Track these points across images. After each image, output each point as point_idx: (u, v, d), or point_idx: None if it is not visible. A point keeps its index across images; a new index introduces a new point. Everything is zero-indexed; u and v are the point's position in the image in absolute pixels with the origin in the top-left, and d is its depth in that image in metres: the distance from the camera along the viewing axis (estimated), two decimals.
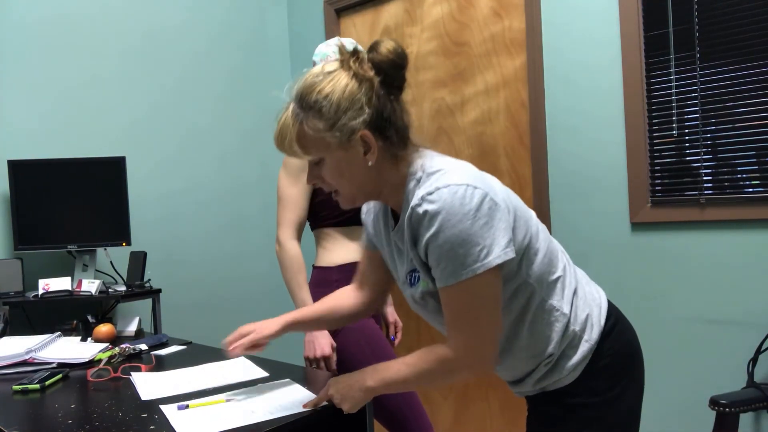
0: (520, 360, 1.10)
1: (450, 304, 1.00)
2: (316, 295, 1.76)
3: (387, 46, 1.01)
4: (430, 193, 0.96)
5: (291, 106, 1.04)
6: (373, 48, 1.01)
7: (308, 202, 1.79)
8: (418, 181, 1.02)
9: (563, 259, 1.12)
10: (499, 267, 0.98)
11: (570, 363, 1.07)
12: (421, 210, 0.97)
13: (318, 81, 1.01)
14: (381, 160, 1.03)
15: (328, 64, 1.03)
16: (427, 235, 0.97)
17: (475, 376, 1.04)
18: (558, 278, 1.08)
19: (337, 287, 1.75)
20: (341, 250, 1.80)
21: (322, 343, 1.69)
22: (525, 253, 1.04)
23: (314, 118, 1.00)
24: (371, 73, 1.00)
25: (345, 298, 1.33)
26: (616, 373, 1.09)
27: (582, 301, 1.10)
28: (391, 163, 1.05)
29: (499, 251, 0.96)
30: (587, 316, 1.09)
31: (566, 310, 1.07)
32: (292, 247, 1.74)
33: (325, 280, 1.79)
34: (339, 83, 0.99)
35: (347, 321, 1.33)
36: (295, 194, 1.76)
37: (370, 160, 1.02)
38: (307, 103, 1.01)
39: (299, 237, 1.78)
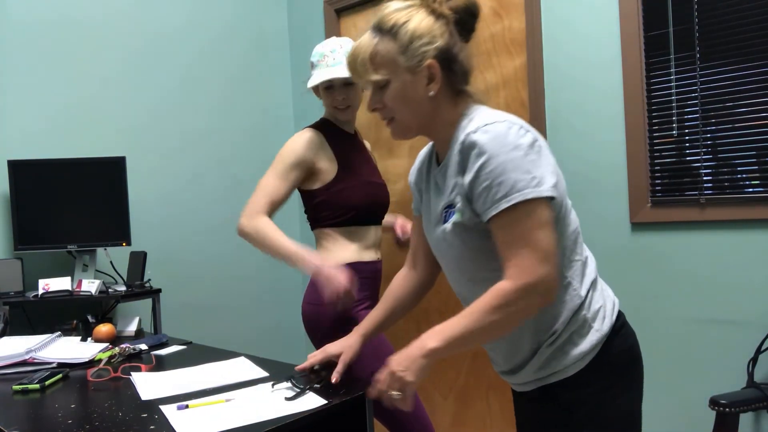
0: (525, 335, 1.09)
1: (502, 234, 0.99)
2: (317, 295, 1.77)
3: None
4: (486, 124, 1.01)
5: (367, 33, 1.12)
6: None
7: (288, 195, 1.74)
8: (471, 120, 1.07)
9: (587, 252, 1.14)
10: (550, 203, 1.00)
11: (577, 351, 1.06)
12: (475, 137, 1.01)
13: (397, 10, 1.09)
14: (441, 94, 1.10)
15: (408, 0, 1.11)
16: (479, 161, 0.99)
17: (541, 304, 0.98)
18: (580, 261, 1.10)
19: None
20: (341, 250, 1.80)
21: (340, 278, 1.56)
22: (559, 215, 1.05)
23: (389, 40, 1.08)
24: (448, 12, 1.09)
25: (402, 283, 1.36)
26: (618, 373, 1.09)
27: (598, 293, 1.11)
28: (450, 99, 1.12)
29: (549, 185, 0.98)
30: (600, 307, 1.10)
31: (582, 293, 1.08)
32: (261, 218, 1.66)
33: None
34: (417, 15, 1.08)
35: (414, 303, 1.36)
36: (276, 184, 1.71)
37: (432, 89, 1.08)
38: (385, 27, 1.09)
39: (270, 215, 1.69)
